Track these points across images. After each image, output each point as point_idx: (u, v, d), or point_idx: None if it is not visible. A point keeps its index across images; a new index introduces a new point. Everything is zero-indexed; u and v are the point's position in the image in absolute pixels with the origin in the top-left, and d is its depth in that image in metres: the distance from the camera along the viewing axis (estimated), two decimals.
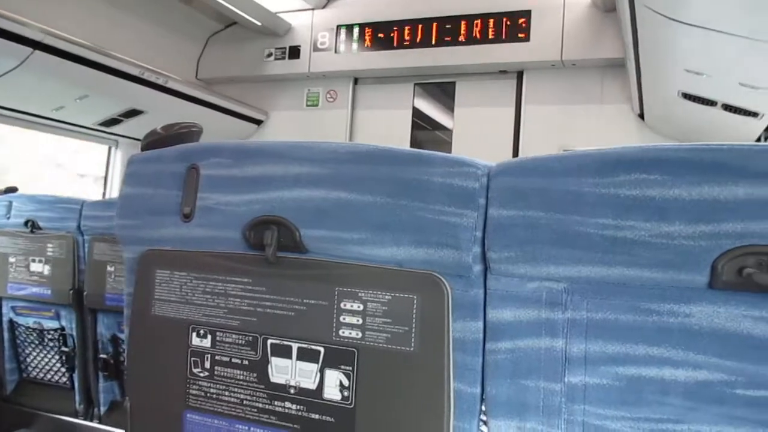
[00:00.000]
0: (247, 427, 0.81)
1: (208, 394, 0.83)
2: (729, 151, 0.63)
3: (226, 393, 0.82)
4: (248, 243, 0.82)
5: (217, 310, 0.83)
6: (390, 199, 0.75)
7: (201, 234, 0.85)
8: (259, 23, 3.84)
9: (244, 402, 0.81)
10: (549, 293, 0.69)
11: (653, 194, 0.64)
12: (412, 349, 0.73)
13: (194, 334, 0.84)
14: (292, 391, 0.79)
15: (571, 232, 0.67)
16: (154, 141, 0.94)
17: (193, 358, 0.84)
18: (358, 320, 0.76)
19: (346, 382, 0.76)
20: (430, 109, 4.00)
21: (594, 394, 0.68)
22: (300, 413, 0.79)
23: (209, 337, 0.83)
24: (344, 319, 0.76)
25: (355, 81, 4.07)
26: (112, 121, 3.46)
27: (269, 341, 0.80)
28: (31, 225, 2.06)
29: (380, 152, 0.77)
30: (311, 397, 0.78)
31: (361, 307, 0.76)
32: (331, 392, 0.77)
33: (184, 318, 0.85)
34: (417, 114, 3.94)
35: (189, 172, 0.86)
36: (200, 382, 0.84)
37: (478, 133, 3.72)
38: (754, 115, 2.35)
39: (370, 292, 0.75)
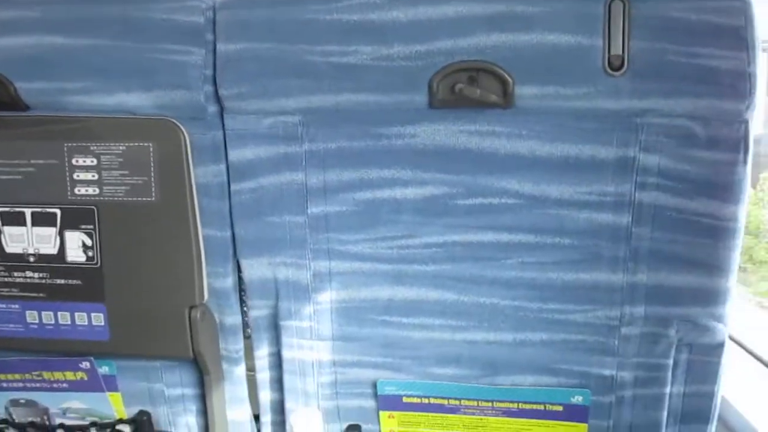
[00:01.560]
0: None
1: None
2: None
3: None
4: None
5: None
6: (112, 42, 0.69)
7: None
8: None
9: None
10: (285, 127, 0.69)
11: (373, 18, 0.64)
12: (153, 199, 0.70)
13: None
14: (31, 259, 0.74)
15: (300, 63, 0.66)
16: None
17: None
18: (93, 176, 0.71)
19: (89, 242, 0.72)
20: None
21: (335, 222, 0.71)
22: (43, 281, 0.74)
23: None
24: (78, 176, 0.71)
25: None
26: None
27: None
28: None
29: None
30: (53, 263, 0.73)
31: (95, 162, 0.71)
32: (74, 254, 0.73)
33: None
34: None
35: None
36: None
37: None
38: None
39: (103, 144, 0.70)
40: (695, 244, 0.65)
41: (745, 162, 0.63)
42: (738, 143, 0.62)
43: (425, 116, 0.66)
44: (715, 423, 0.72)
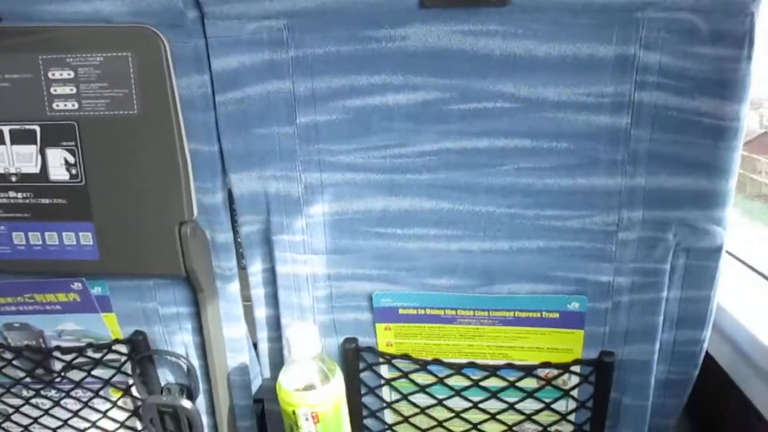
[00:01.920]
0: None
1: None
2: None
3: None
4: None
5: None
6: None
7: None
8: None
9: None
10: (270, 33, 0.66)
11: None
12: (135, 112, 0.68)
13: None
14: (13, 179, 0.72)
15: None
16: None
17: None
18: (71, 89, 0.68)
19: (71, 159, 0.70)
20: None
21: (325, 131, 0.69)
22: (27, 200, 0.72)
23: None
24: (55, 90, 0.68)
25: None
26: None
27: None
28: None
29: None
30: (36, 182, 0.71)
31: (72, 75, 0.68)
32: (58, 172, 0.71)
33: None
34: None
35: None
36: None
37: None
38: None
39: (79, 55, 0.67)
40: (696, 144, 0.64)
41: (749, 57, 0.60)
42: (743, 38, 0.59)
43: (416, 16, 0.63)
44: (710, 328, 0.72)
